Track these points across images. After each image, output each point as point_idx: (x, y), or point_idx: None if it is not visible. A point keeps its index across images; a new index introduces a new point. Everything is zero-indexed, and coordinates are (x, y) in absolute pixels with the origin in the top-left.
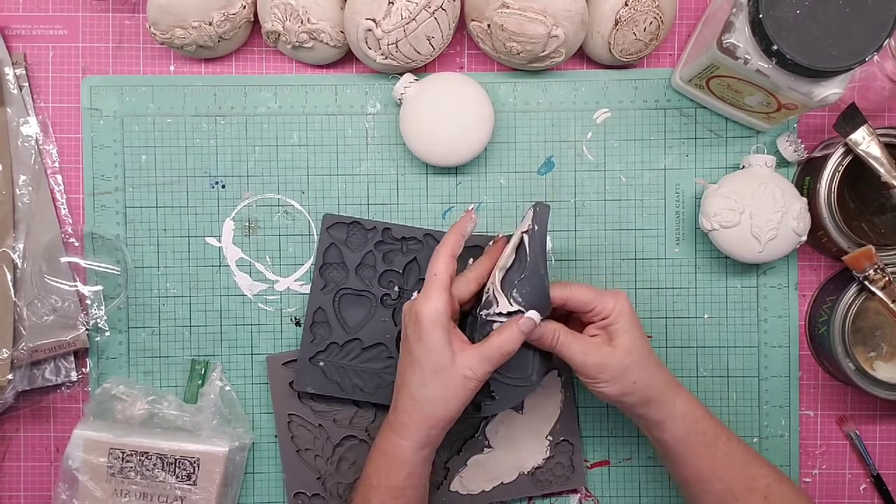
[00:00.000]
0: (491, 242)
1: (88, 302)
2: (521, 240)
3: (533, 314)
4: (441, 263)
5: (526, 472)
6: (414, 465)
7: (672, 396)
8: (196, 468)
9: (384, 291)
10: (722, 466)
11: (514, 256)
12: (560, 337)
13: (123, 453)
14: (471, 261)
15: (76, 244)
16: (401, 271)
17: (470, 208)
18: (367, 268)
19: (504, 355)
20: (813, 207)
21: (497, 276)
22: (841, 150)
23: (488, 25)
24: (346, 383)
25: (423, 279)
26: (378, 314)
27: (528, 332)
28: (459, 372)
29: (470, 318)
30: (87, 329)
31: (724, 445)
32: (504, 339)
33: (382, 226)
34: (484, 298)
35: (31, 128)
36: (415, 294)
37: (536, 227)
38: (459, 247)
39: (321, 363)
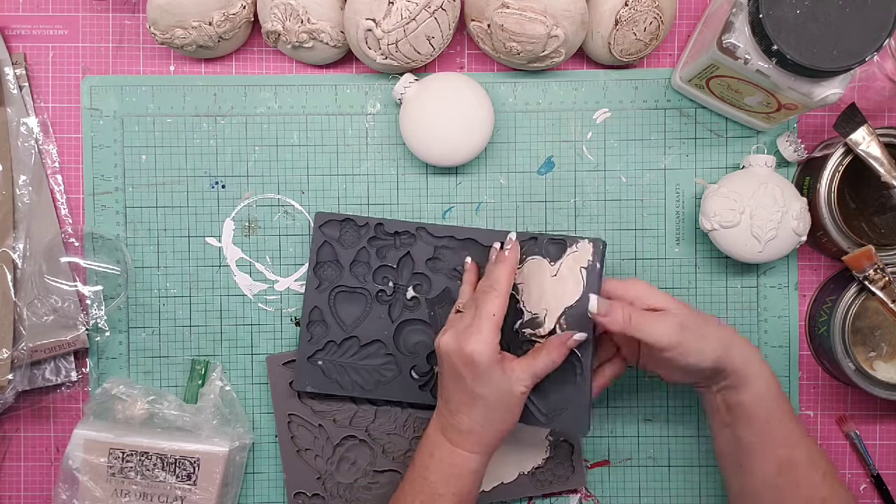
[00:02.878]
0: (468, 262)
1: (88, 302)
2: (580, 272)
3: (580, 335)
4: (497, 304)
5: (526, 472)
6: (481, 472)
7: (751, 353)
8: (196, 468)
9: (379, 287)
10: (796, 434)
11: (579, 293)
12: (633, 318)
13: (123, 453)
14: (468, 259)
15: (76, 244)
16: (395, 266)
17: (511, 237)
18: (361, 264)
19: (550, 369)
20: (813, 207)
21: (554, 305)
22: (841, 150)
23: (488, 25)
24: (346, 381)
25: (418, 273)
26: (374, 311)
27: (574, 346)
28: (517, 390)
29: (506, 330)
30: (87, 329)
31: (793, 416)
32: (552, 358)
33: (375, 221)
34: (527, 318)
35: (31, 128)
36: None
37: (599, 265)
38: (512, 284)
39: (320, 362)
